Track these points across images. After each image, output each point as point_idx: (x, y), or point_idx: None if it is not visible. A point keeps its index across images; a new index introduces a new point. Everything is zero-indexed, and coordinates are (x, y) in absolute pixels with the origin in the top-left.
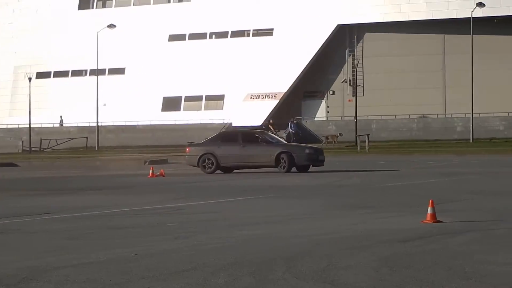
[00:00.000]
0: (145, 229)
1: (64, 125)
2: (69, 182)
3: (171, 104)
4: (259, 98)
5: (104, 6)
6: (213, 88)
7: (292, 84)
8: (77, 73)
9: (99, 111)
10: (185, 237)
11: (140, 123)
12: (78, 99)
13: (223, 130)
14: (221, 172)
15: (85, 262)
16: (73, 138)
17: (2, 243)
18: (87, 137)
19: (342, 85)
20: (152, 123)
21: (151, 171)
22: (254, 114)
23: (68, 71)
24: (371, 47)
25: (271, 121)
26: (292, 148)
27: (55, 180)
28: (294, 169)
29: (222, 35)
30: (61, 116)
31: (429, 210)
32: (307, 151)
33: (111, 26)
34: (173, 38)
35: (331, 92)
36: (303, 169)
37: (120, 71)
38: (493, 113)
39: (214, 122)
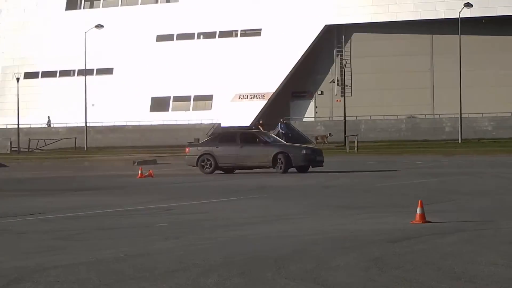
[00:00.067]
0: (134, 230)
1: (51, 125)
2: (58, 182)
3: (159, 104)
4: (247, 98)
5: (91, 6)
6: (202, 88)
7: (281, 84)
8: (65, 73)
9: (88, 112)
10: (175, 237)
11: (128, 124)
12: (67, 100)
13: (212, 130)
14: (221, 172)
15: (75, 263)
16: (61, 139)
17: None
18: (75, 138)
19: (330, 85)
20: (141, 123)
21: (140, 172)
22: (243, 115)
23: (56, 71)
24: (359, 47)
25: (260, 121)
26: (289, 149)
27: (44, 181)
28: (293, 169)
29: (210, 35)
30: (48, 117)
31: (418, 211)
32: (304, 151)
33: (99, 26)
34: (161, 38)
35: (319, 93)
36: (302, 169)
37: (108, 71)
38: (482, 113)
39: (202, 122)
